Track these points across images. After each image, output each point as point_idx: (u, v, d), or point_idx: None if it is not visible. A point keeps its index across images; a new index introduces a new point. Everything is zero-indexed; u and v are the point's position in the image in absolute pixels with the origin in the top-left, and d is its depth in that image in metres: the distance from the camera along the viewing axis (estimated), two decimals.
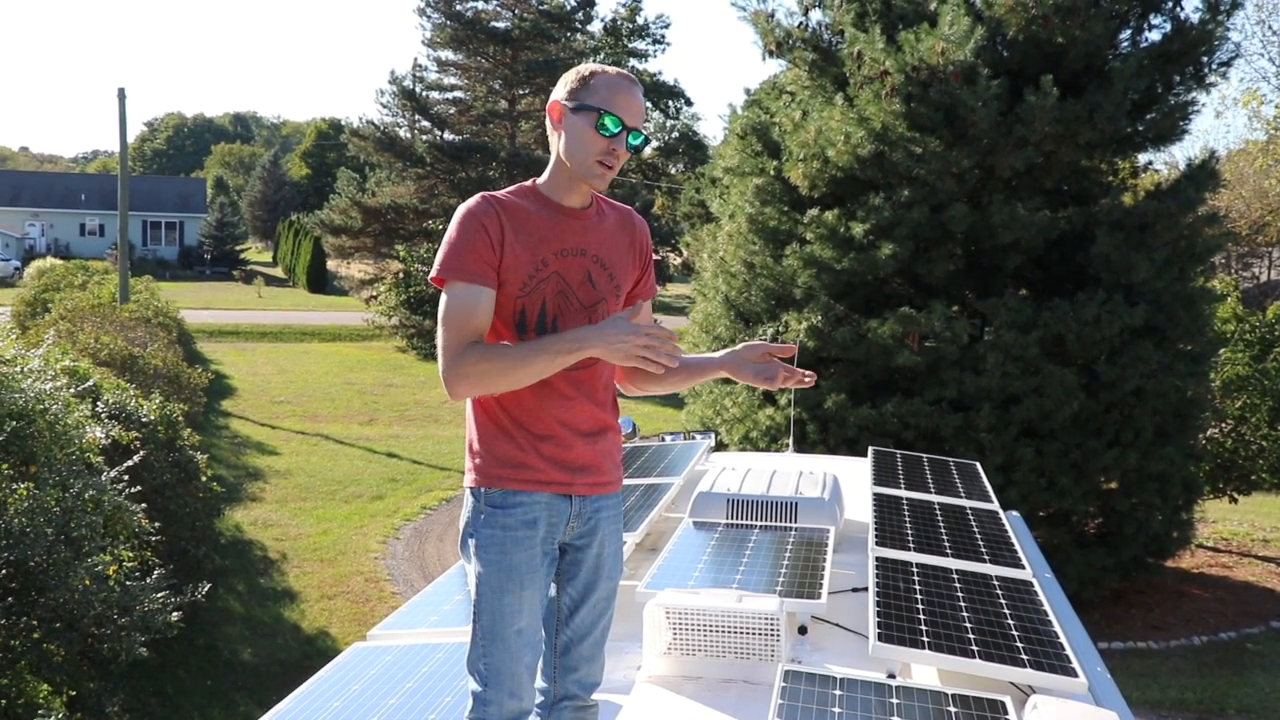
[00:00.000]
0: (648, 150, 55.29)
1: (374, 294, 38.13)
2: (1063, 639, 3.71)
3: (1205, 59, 12.82)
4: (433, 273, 2.89)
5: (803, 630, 4.02)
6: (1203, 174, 12.87)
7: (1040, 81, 11.61)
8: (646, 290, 3.24)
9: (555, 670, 3.15)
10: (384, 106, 44.01)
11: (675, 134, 55.90)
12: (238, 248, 69.15)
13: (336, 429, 22.06)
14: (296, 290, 55.23)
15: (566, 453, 3.00)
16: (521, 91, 37.96)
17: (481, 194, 2.97)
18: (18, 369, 8.60)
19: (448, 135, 38.24)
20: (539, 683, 3.17)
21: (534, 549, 2.95)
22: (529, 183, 3.05)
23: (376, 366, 30.92)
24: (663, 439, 7.56)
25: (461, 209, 2.93)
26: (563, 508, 3.01)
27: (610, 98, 2.91)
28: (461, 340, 2.84)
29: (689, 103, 55.83)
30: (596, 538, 3.10)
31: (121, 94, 29.04)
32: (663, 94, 54.38)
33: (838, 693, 3.24)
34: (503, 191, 3.00)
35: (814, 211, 12.75)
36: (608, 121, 2.89)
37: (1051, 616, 3.95)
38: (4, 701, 6.82)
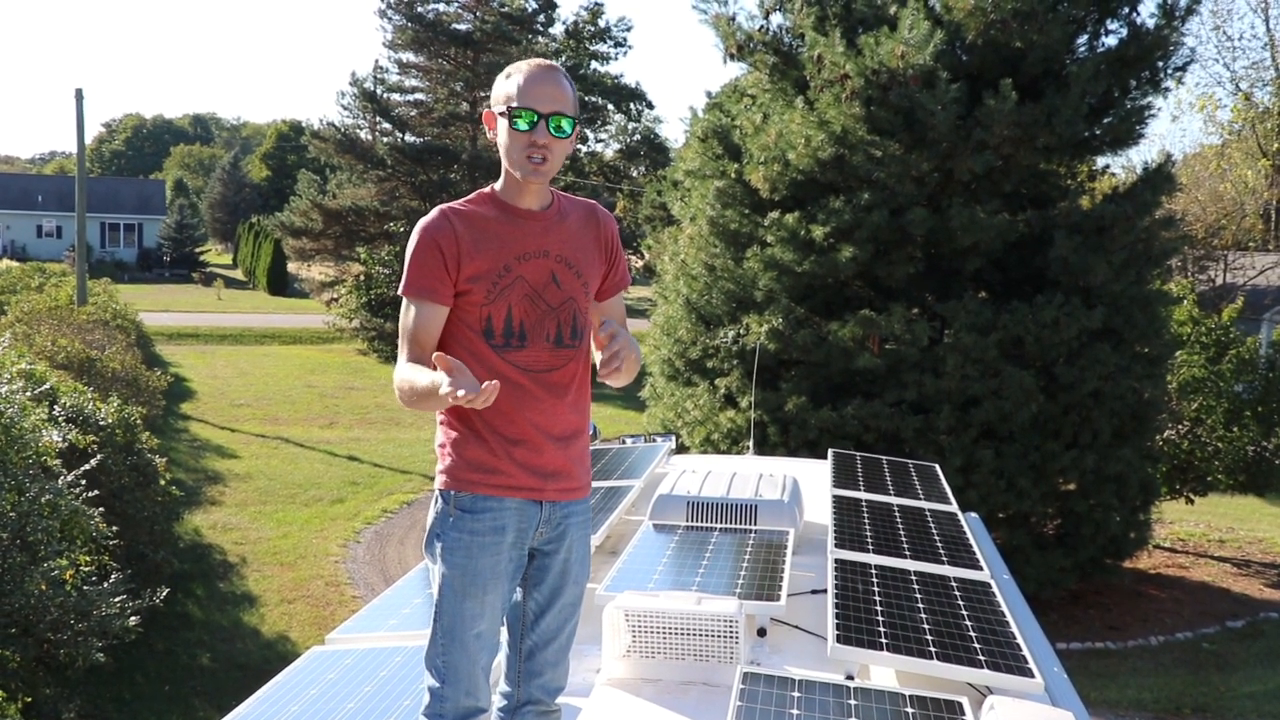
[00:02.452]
0: (609, 153, 55.25)
1: (335, 296, 37.90)
2: (1019, 640, 3.74)
3: (1161, 64, 12.97)
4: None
5: (762, 632, 4.03)
6: (1159, 177, 13.02)
7: (999, 85, 11.70)
8: (617, 283, 3.25)
9: (519, 675, 3.16)
10: (345, 108, 43.76)
11: (637, 137, 55.89)
12: (197, 250, 68.50)
13: (297, 432, 21.92)
14: (257, 293, 54.86)
15: (538, 457, 3.01)
16: (483, 94, 37.82)
17: (439, 207, 3.00)
18: None
19: (409, 137, 38.07)
20: (503, 686, 3.18)
21: (500, 554, 2.97)
22: (487, 189, 3.08)
23: (337, 369, 30.75)
24: (623, 441, 7.57)
25: (419, 225, 2.98)
26: (533, 513, 3.03)
27: (522, 92, 2.92)
28: (405, 353, 2.97)
29: (650, 105, 56.04)
30: (565, 543, 3.11)
31: (79, 94, 28.76)
32: (624, 97, 54.35)
33: (796, 694, 3.26)
34: (461, 201, 3.03)
35: (775, 214, 12.79)
36: (521, 118, 2.91)
37: (1009, 617, 3.98)
38: None
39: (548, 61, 2.98)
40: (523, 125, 2.91)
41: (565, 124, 2.94)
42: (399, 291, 3.00)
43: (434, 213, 2.99)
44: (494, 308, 2.96)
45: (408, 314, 2.99)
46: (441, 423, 3.06)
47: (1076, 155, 13.61)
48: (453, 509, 2.98)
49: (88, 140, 33.00)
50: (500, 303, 2.96)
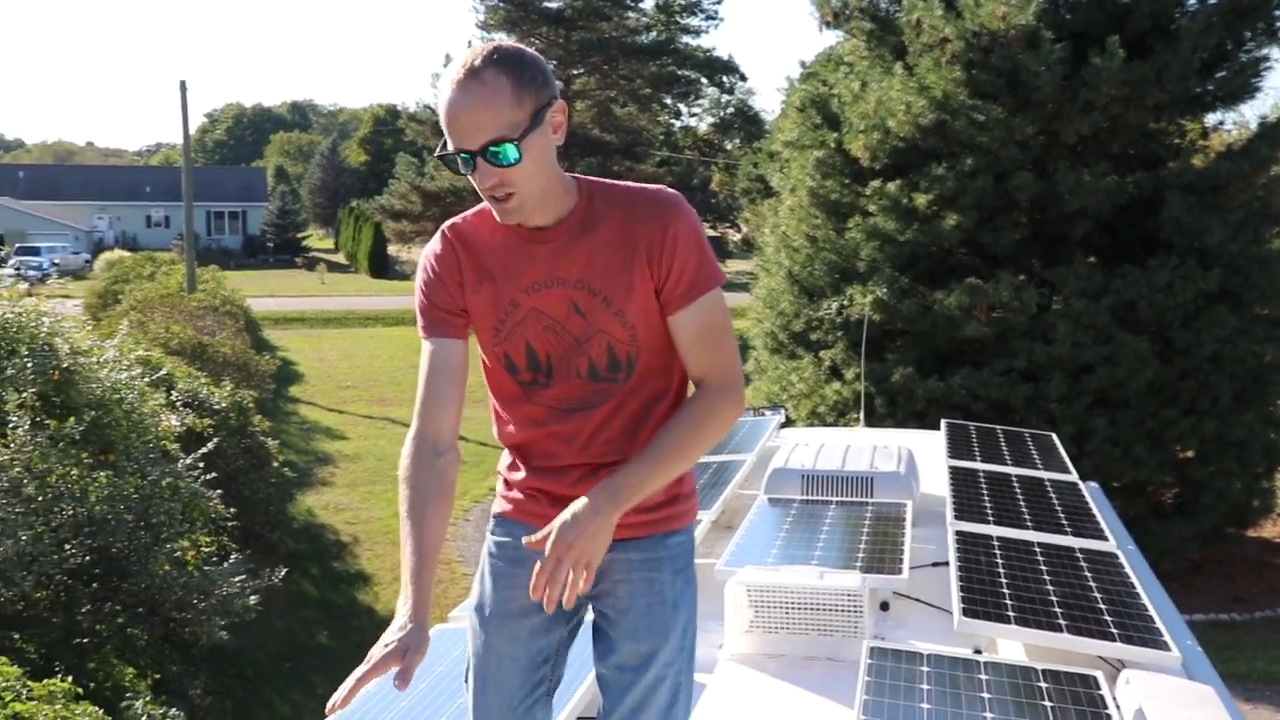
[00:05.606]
0: (703, 127, 54.96)
1: None
2: (1152, 612, 3.65)
3: (1277, 12, 12.52)
4: None
5: (885, 606, 3.98)
6: (1277, 132, 12.58)
7: (1105, 43, 11.40)
8: (684, 293, 2.45)
9: None
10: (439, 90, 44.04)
11: (731, 110, 55.61)
12: (299, 235, 69.65)
13: (403, 412, 22.19)
14: (359, 276, 55.63)
15: (574, 490, 2.49)
16: (575, 71, 37.94)
17: (442, 227, 2.59)
18: (94, 359, 8.75)
19: None
20: None
21: (513, 589, 2.63)
22: None
23: None
24: None
25: (423, 252, 2.61)
26: None
27: (448, 127, 2.31)
28: (421, 399, 2.60)
29: (744, 78, 55.66)
30: (615, 592, 2.58)
31: (183, 86, 29.39)
32: (717, 69, 54.05)
33: (925, 669, 3.21)
34: (466, 216, 2.57)
35: (876, 183, 12.63)
36: (459, 161, 2.34)
37: (1139, 589, 3.88)
38: (93, 684, 6.95)
39: (467, 67, 2.27)
40: (462, 169, 2.34)
41: (503, 151, 2.27)
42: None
43: (436, 237, 2.59)
44: (508, 345, 2.54)
45: (422, 357, 2.61)
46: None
47: (1188, 112, 13.22)
48: (489, 529, 2.78)
49: (191, 130, 33.71)
50: (514, 339, 2.52)
